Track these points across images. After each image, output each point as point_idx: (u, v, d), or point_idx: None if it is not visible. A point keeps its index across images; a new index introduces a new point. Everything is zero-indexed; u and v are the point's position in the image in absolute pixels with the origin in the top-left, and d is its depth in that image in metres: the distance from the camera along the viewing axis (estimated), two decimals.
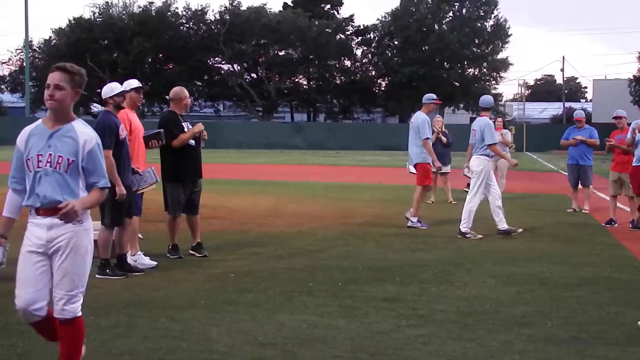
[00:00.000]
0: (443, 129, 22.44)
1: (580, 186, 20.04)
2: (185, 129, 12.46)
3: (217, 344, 7.48)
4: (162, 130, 12.53)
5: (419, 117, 17.13)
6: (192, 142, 12.48)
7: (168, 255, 12.44)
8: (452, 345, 7.56)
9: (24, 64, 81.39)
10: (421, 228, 16.40)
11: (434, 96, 17.37)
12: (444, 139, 22.15)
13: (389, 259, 12.59)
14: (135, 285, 10.31)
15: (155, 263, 11.65)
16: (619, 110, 18.53)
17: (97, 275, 10.70)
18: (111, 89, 11.33)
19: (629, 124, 17.32)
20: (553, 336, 7.95)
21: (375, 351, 7.35)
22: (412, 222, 16.63)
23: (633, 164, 16.33)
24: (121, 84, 11.67)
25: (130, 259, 11.38)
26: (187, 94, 12.91)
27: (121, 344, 7.45)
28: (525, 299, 9.71)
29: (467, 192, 17.17)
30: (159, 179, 11.93)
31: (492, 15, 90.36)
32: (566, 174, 21.40)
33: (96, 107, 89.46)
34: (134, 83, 12.04)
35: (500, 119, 24.29)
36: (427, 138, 17.04)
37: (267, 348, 7.38)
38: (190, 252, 12.61)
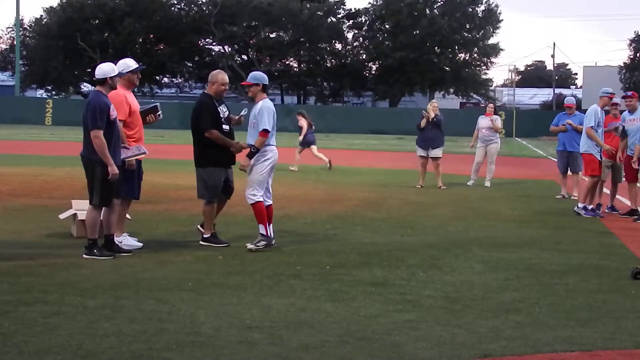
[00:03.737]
0: (437, 112, 22.07)
1: (569, 172, 20.03)
2: (221, 114, 12.10)
3: (204, 327, 7.45)
4: (157, 104, 12.45)
5: (590, 108, 17.01)
6: (226, 127, 12.17)
7: (211, 244, 12.03)
8: (439, 331, 7.54)
9: (15, 43, 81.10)
10: (585, 216, 16.36)
11: (609, 90, 17.45)
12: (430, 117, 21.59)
13: (377, 243, 12.57)
14: (123, 266, 10.27)
15: (140, 244, 11.60)
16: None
17: (84, 256, 10.69)
18: (112, 69, 11.20)
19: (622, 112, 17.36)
20: (541, 323, 7.94)
21: (362, 335, 7.33)
22: (577, 207, 16.75)
23: (627, 153, 16.48)
24: (114, 63, 11.54)
25: (115, 240, 11.32)
26: (222, 78, 12.24)
27: (107, 325, 7.41)
28: (513, 285, 9.69)
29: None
30: (147, 151, 11.82)
31: (484, 1, 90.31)
32: (555, 160, 21.38)
33: (86, 87, 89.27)
34: (132, 64, 11.88)
35: (491, 105, 24.23)
36: (591, 127, 16.63)
37: (254, 331, 7.35)
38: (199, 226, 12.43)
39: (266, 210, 11.81)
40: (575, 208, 16.74)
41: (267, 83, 11.95)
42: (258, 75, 11.97)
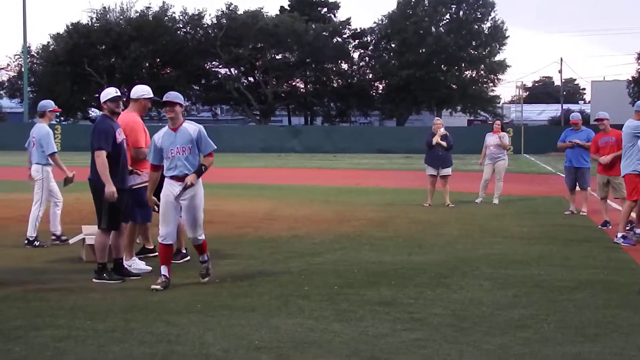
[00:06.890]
0: (444, 132, 22.03)
1: (577, 188, 20.02)
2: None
3: (213, 348, 7.48)
4: None
5: (628, 125, 15.21)
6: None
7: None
8: (447, 349, 7.56)
9: (23, 70, 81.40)
10: (623, 245, 14.69)
11: None
12: (443, 144, 21.80)
13: (384, 262, 12.56)
14: (132, 289, 10.31)
15: (149, 268, 11.63)
16: (600, 112, 18.16)
17: (93, 280, 10.73)
18: (107, 93, 11.34)
19: (612, 126, 17.31)
20: (549, 339, 7.95)
21: (370, 355, 7.35)
22: (617, 237, 15.03)
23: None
24: (120, 88, 11.68)
25: (125, 264, 11.37)
26: None
27: (117, 348, 7.45)
28: (521, 302, 9.69)
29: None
30: None
31: (489, 17, 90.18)
32: (564, 176, 21.39)
33: (94, 112, 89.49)
34: (151, 92, 12.08)
35: (498, 122, 24.18)
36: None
37: (262, 352, 7.38)
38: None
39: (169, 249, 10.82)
40: (615, 239, 15.16)
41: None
42: (181, 95, 10.89)
